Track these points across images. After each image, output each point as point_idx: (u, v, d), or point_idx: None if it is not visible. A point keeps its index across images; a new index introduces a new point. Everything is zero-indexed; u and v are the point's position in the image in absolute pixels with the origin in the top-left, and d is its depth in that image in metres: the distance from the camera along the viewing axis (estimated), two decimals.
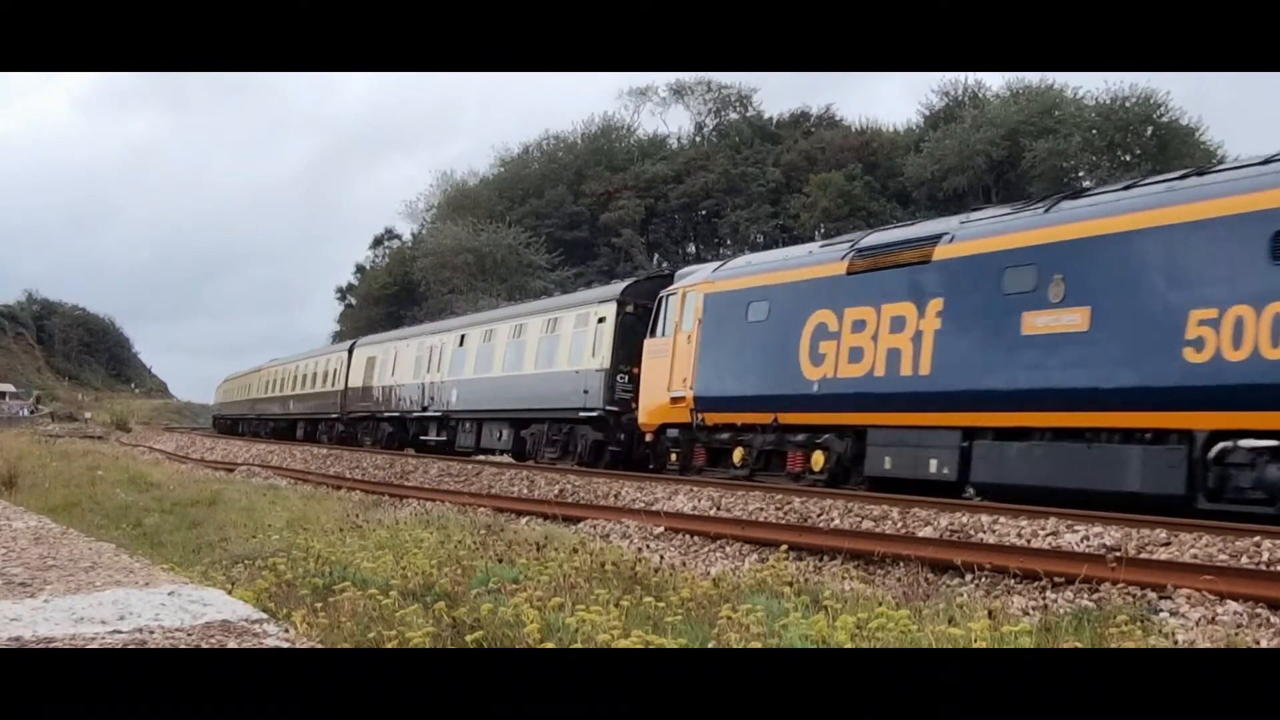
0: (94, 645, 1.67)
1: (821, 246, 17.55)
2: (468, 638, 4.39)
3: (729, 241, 60.31)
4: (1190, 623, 6.69)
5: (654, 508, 13.62)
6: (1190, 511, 10.53)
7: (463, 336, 29.03)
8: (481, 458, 25.25)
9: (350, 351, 37.47)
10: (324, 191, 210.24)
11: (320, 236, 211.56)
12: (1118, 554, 8.23)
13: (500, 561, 7.27)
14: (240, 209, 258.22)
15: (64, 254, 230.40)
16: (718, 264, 20.20)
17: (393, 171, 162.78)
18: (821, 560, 9.56)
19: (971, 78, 58.11)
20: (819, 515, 12.30)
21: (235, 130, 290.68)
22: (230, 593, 2.81)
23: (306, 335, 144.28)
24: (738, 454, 17.17)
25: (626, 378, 20.69)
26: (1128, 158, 51.23)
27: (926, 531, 10.76)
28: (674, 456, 18.63)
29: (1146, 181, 12.66)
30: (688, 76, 65.22)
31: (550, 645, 4.16)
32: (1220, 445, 10.58)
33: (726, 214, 59.48)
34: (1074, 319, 11.94)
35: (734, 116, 68.00)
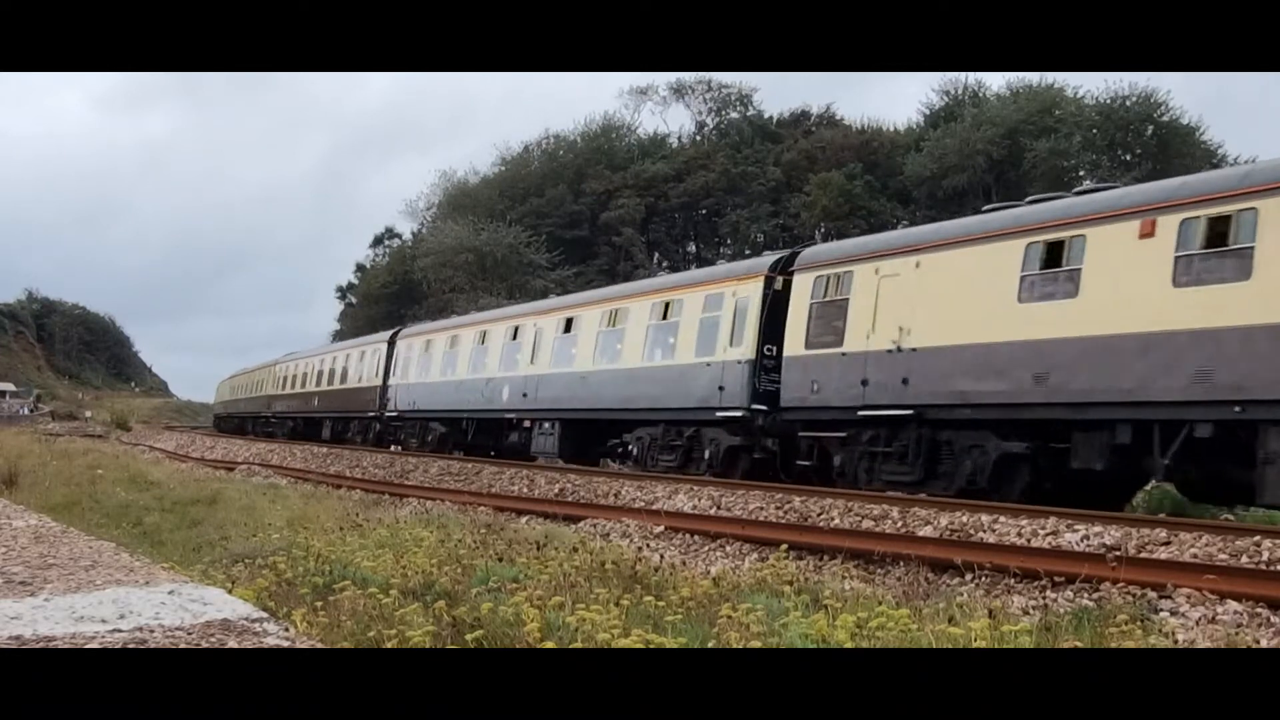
0: (94, 644, 1.67)
1: None
2: (468, 637, 4.39)
3: (729, 241, 60.31)
4: (1190, 622, 6.69)
5: (654, 507, 13.63)
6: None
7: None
8: (491, 459, 25.21)
9: (783, 279, 17.44)
10: (337, 190, 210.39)
11: (331, 235, 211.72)
12: (1118, 553, 8.23)
13: (500, 560, 7.27)
14: (252, 206, 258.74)
15: (73, 252, 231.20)
16: None
17: (405, 170, 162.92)
18: (822, 559, 9.56)
19: (972, 77, 58.16)
20: (819, 514, 12.30)
21: (251, 128, 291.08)
22: (230, 592, 2.81)
23: (310, 335, 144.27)
24: None
25: None
26: (1128, 157, 51.21)
27: (926, 531, 10.77)
28: None
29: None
30: (688, 76, 65.29)
31: (550, 644, 4.16)
32: None
33: (727, 213, 59.48)
34: None
35: (734, 116, 67.99)
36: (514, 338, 25.84)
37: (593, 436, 22.95)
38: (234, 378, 62.39)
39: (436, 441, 29.41)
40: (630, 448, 20.66)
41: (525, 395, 24.16)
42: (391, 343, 33.79)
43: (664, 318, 20.19)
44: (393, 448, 30.68)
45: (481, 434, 27.64)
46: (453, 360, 29.10)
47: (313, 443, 35.53)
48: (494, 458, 24.45)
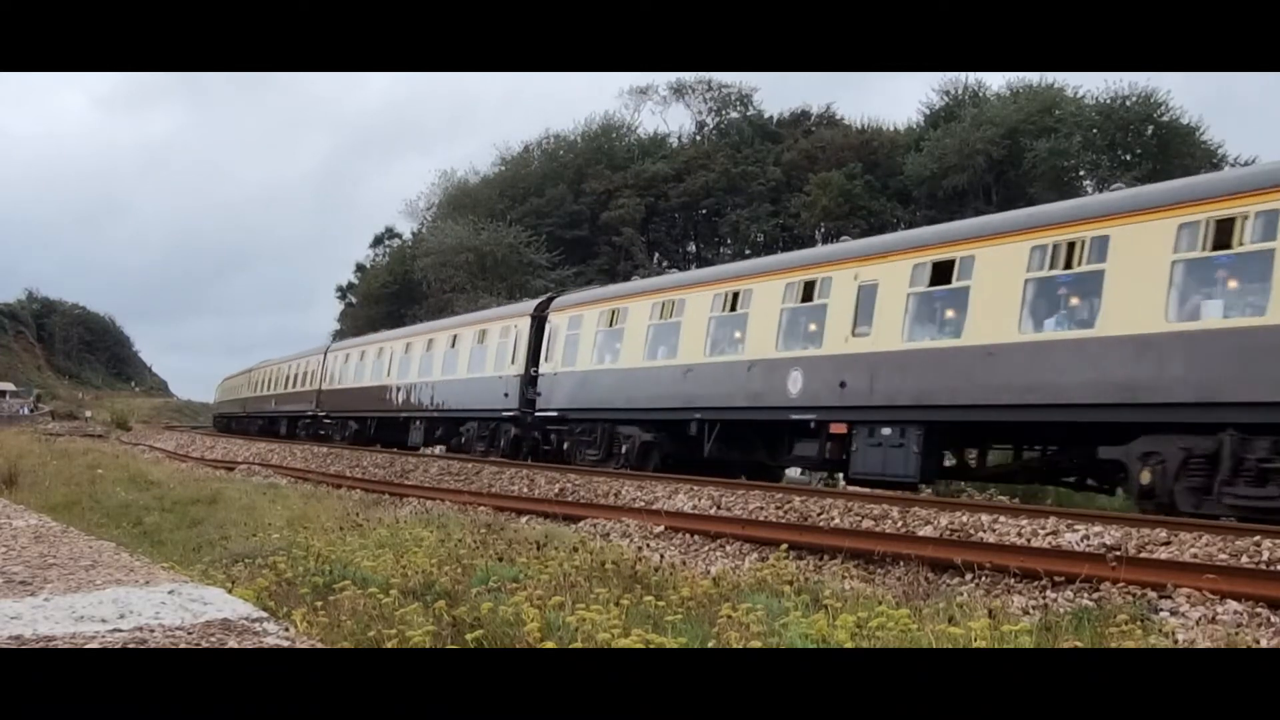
0: (94, 644, 1.67)
1: None
2: (468, 637, 4.39)
3: (729, 241, 60.35)
4: (1190, 622, 6.69)
5: (654, 506, 13.63)
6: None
7: None
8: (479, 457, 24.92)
9: None
10: (337, 190, 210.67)
11: (331, 235, 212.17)
12: (1118, 553, 8.23)
13: (500, 560, 7.27)
14: (253, 206, 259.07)
15: (73, 252, 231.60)
16: None
17: (405, 170, 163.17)
18: (822, 559, 9.56)
19: (972, 77, 58.17)
20: (819, 514, 12.30)
21: (252, 127, 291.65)
22: (230, 591, 2.81)
23: (310, 335, 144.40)
24: None
25: None
26: (1128, 157, 51.22)
27: (926, 531, 10.76)
28: None
29: None
30: (688, 76, 65.31)
31: (550, 644, 4.16)
32: None
33: (727, 213, 59.48)
34: None
35: (734, 115, 68.01)
36: (804, 298, 16.84)
37: (970, 444, 15.87)
38: (252, 371, 53.63)
39: (637, 454, 20.13)
40: (1137, 469, 12.17)
41: (844, 385, 15.59)
42: (538, 317, 24.31)
43: (1213, 246, 11.65)
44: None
45: (729, 443, 18.56)
46: (669, 337, 19.90)
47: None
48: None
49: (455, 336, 28.56)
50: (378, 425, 33.01)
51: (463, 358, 27.51)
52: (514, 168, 67.37)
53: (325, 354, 39.85)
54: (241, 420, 52.69)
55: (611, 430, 21.20)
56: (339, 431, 36.16)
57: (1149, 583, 7.41)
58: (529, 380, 23.86)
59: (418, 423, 29.52)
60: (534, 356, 23.94)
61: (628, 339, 21.11)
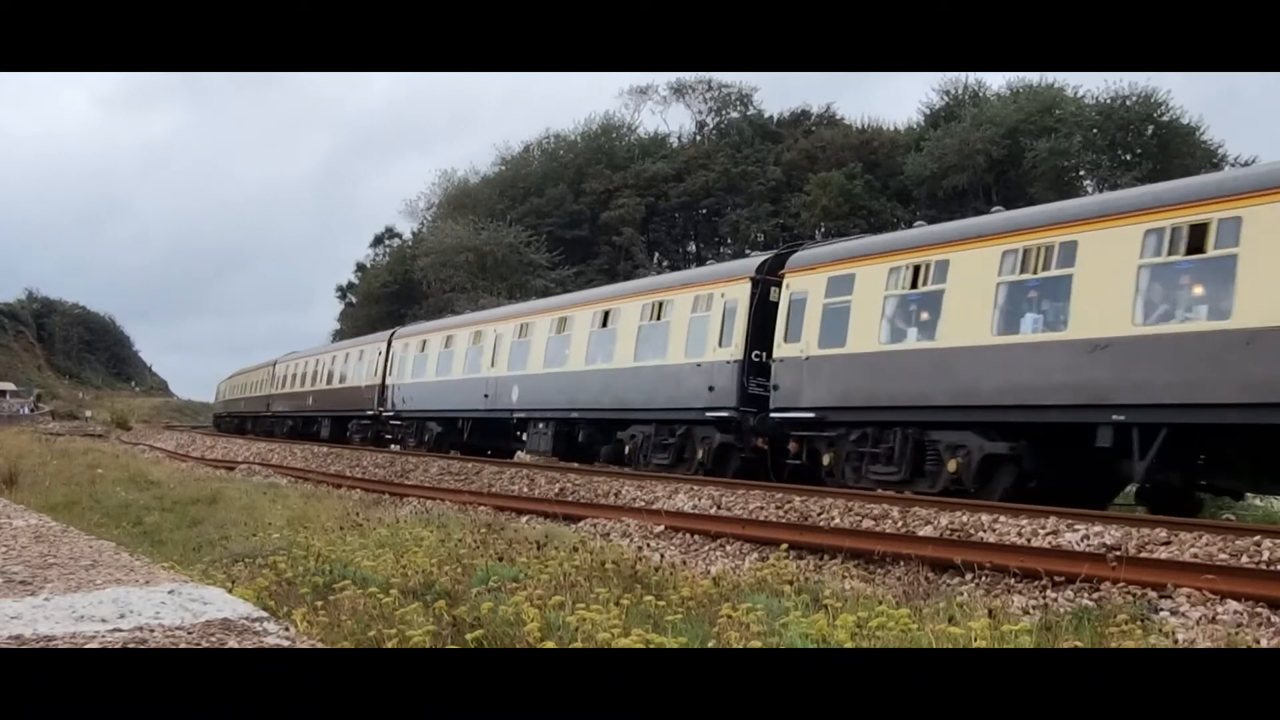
0: (94, 644, 1.67)
1: None
2: (468, 636, 4.39)
3: (729, 240, 60.40)
4: (1190, 622, 6.69)
5: (654, 506, 13.63)
6: None
7: None
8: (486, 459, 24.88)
9: None
10: (337, 190, 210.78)
11: (331, 235, 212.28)
12: (1118, 553, 8.23)
13: (500, 560, 7.27)
14: (253, 206, 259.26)
15: (73, 252, 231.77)
16: None
17: (406, 170, 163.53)
18: (822, 559, 9.56)
19: (972, 77, 58.23)
20: (819, 514, 12.30)
21: (252, 127, 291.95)
22: (230, 591, 2.81)
23: (310, 335, 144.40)
24: None
25: None
26: (1128, 157, 51.26)
27: (926, 530, 10.76)
28: None
29: None
30: (688, 75, 65.35)
31: (550, 644, 4.16)
32: None
33: (727, 213, 59.53)
34: None
35: (734, 115, 68.03)
36: None
37: None
38: (276, 365, 44.32)
39: (975, 472, 13.71)
40: None
41: None
42: (762, 280, 17.98)
43: None
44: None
45: (1178, 462, 11.83)
46: (1044, 299, 13.38)
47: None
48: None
49: (608, 313, 21.73)
50: (474, 428, 26.64)
51: (624, 340, 20.86)
52: (514, 168, 67.41)
53: (390, 341, 32.24)
54: (263, 420, 45.36)
55: (919, 438, 14.73)
56: (413, 435, 29.40)
57: (1149, 583, 7.41)
58: (751, 368, 17.60)
59: (541, 425, 23.17)
60: (756, 336, 17.68)
61: (951, 305, 14.37)
